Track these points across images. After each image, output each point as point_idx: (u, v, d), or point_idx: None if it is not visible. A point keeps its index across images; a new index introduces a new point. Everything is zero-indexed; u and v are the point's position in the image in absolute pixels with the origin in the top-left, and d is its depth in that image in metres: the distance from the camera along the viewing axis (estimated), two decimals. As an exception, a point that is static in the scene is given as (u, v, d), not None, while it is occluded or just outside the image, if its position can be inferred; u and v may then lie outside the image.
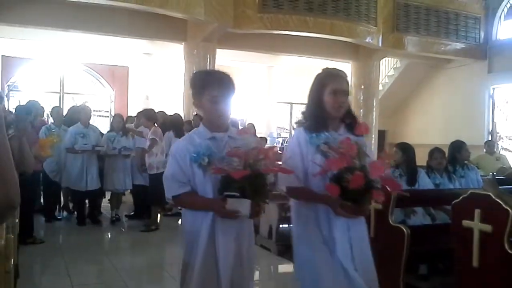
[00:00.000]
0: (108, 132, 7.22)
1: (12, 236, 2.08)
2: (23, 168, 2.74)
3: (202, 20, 8.46)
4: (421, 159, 5.17)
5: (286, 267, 5.03)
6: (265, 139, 11.16)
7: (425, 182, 4.73)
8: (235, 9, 8.88)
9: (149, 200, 6.46)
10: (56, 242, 5.74)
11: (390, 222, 3.79)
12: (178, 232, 6.00)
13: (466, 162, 5.47)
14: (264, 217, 5.62)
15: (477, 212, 3.04)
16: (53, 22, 8.45)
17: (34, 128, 5.70)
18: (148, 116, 6.73)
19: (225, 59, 11.77)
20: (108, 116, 14.22)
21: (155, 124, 6.68)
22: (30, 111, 5.87)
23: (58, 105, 13.79)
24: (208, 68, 9.61)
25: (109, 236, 6.64)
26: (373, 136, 11.71)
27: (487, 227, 2.97)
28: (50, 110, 7.13)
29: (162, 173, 6.96)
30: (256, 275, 5.01)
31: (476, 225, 3.05)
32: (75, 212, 6.83)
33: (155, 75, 13.00)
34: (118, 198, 7.02)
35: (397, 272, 3.68)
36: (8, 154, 1.29)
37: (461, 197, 3.21)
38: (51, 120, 7.77)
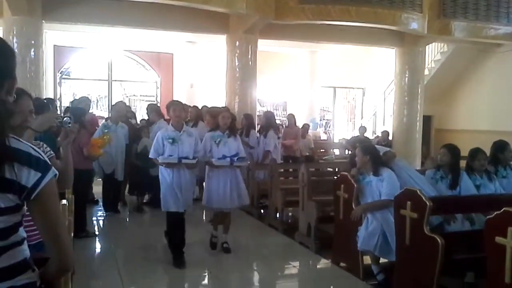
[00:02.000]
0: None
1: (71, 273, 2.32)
2: (62, 186, 2.83)
3: (244, 13, 8.54)
4: (467, 145, 5.06)
5: (324, 264, 5.18)
6: (307, 126, 11.20)
7: (467, 185, 4.66)
8: (276, 1, 8.89)
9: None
10: (107, 235, 6.11)
11: (425, 231, 3.84)
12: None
13: (510, 162, 5.34)
14: (303, 215, 5.80)
15: (510, 230, 3.07)
16: (100, 19, 8.78)
17: (86, 128, 6.01)
18: (214, 113, 6.72)
19: (268, 46, 11.81)
20: (154, 101, 14.65)
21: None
22: (84, 112, 6.23)
23: (107, 92, 14.40)
24: (250, 56, 9.75)
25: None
26: (417, 122, 11.54)
27: (520, 246, 3.01)
28: (112, 106, 7.41)
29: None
30: (295, 270, 5.23)
31: (509, 242, 3.08)
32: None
33: (199, 64, 13.21)
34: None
35: (431, 281, 3.76)
36: (64, 224, 1.50)
37: (494, 214, 3.24)
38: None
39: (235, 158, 5.20)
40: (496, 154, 5.29)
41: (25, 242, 1.52)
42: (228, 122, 5.28)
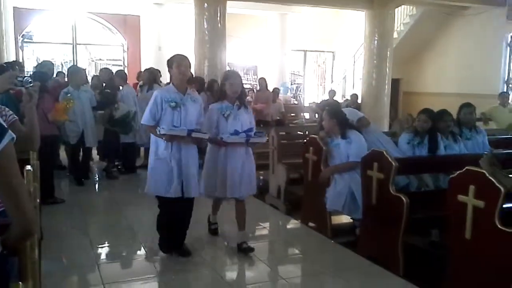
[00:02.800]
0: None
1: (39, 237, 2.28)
2: (30, 147, 2.78)
3: (211, -27, 8.32)
4: (434, 108, 5.13)
5: (293, 224, 5.28)
6: (278, 90, 11.18)
7: (440, 147, 4.77)
8: (245, -40, 8.69)
9: None
10: (76, 201, 6.03)
11: (391, 191, 3.94)
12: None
13: (475, 124, 5.45)
14: (273, 178, 5.85)
15: (471, 188, 3.17)
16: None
17: (49, 93, 5.84)
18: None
19: (237, 8, 11.60)
20: (121, 66, 14.30)
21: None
22: (47, 77, 6.02)
23: (72, 56, 13.96)
24: (219, 19, 9.56)
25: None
26: (386, 85, 11.66)
27: (480, 203, 3.12)
28: (67, 71, 7.13)
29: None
30: (265, 231, 5.31)
31: (470, 200, 3.19)
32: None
33: (166, 26, 12.90)
34: None
35: (396, 238, 3.88)
36: (24, 188, 1.46)
37: (457, 173, 3.34)
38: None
39: (251, 134, 4.18)
40: (458, 116, 5.41)
41: None
42: (238, 91, 4.19)
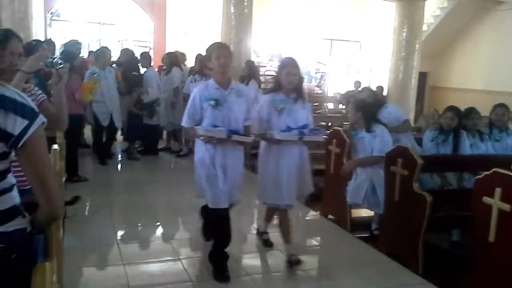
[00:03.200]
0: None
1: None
2: (58, 127, 2.80)
3: (241, -42, 8.24)
4: (460, 104, 5.05)
5: (313, 216, 5.27)
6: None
7: (465, 146, 4.67)
8: None
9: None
10: (99, 180, 6.12)
11: (414, 188, 3.89)
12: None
13: (507, 126, 5.30)
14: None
15: (498, 190, 3.11)
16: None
17: (76, 72, 5.89)
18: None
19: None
20: (147, 47, 14.37)
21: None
22: (74, 56, 6.08)
23: (98, 36, 14.07)
24: (246, 3, 9.49)
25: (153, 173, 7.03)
26: (413, 79, 11.47)
27: (506, 206, 3.05)
28: (95, 51, 7.18)
29: None
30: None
31: (495, 203, 3.13)
32: None
33: (193, 10, 12.87)
34: None
35: (417, 236, 3.84)
36: (52, 173, 1.48)
37: (484, 174, 3.28)
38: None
39: (306, 130, 3.62)
40: (490, 116, 5.29)
41: (15, 188, 1.51)
42: (295, 81, 3.63)
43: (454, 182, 4.75)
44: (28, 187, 2.58)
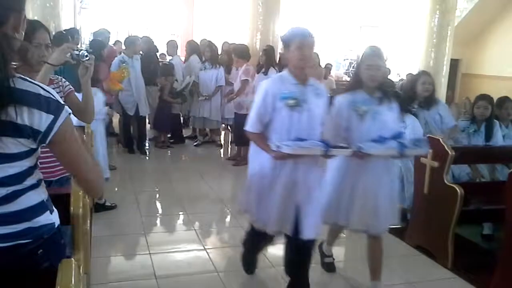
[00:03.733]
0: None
1: (88, 201, 2.35)
2: (85, 119, 2.78)
3: None
4: (494, 92, 4.89)
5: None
6: (330, 66, 10.94)
7: (498, 136, 4.55)
8: None
9: (236, 141, 6.79)
10: (126, 169, 6.19)
11: (445, 181, 3.78)
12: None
13: None
14: (321, 158, 5.76)
15: (533, 185, 3.00)
16: None
17: (105, 61, 5.95)
18: (240, 53, 6.59)
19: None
20: (174, 34, 14.43)
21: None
22: (103, 45, 6.12)
23: (126, 24, 14.18)
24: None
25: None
26: (444, 66, 11.16)
27: (543, 202, 2.94)
28: (124, 40, 7.17)
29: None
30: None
31: (531, 197, 3.02)
32: None
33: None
34: None
35: (447, 230, 3.75)
36: (87, 160, 1.50)
37: (519, 168, 3.16)
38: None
39: (406, 141, 2.91)
40: None
41: (42, 183, 1.51)
42: (379, 76, 2.95)
43: (486, 174, 4.62)
44: (57, 178, 2.65)
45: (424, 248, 3.99)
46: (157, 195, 5.35)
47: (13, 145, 1.33)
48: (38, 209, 1.47)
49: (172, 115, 7.44)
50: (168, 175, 6.02)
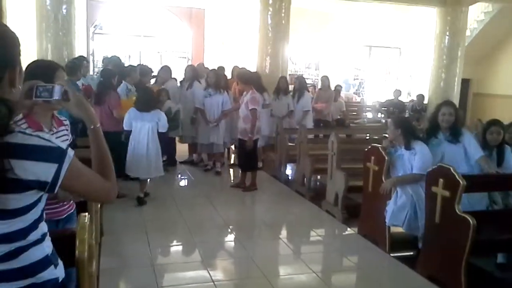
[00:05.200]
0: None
1: (95, 243, 2.34)
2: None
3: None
4: (506, 111, 4.87)
5: (350, 235, 5.15)
6: (340, 88, 10.95)
7: (509, 161, 4.53)
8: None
9: (243, 167, 6.72)
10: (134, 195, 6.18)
11: (457, 211, 3.72)
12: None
13: None
14: (330, 184, 5.73)
15: (548, 218, 2.93)
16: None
17: (115, 90, 6.01)
18: (245, 79, 6.54)
19: (301, 2, 11.42)
20: (185, 58, 14.58)
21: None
22: (113, 74, 6.20)
23: (138, 48, 14.37)
24: (283, 15, 9.45)
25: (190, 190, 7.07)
26: (455, 86, 11.12)
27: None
28: (125, 68, 7.15)
29: (257, 140, 6.70)
30: (320, 240, 5.22)
31: (545, 230, 2.95)
32: None
33: (230, 21, 12.96)
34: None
35: (460, 260, 3.67)
36: (97, 184, 1.56)
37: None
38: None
39: None
40: None
41: (47, 237, 1.50)
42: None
43: (500, 201, 4.55)
44: (64, 216, 2.65)
45: (436, 278, 3.91)
46: (165, 222, 5.32)
47: (16, 201, 1.33)
48: (42, 264, 1.45)
49: (167, 139, 7.40)
50: (175, 201, 6.00)
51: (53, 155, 1.35)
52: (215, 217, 5.48)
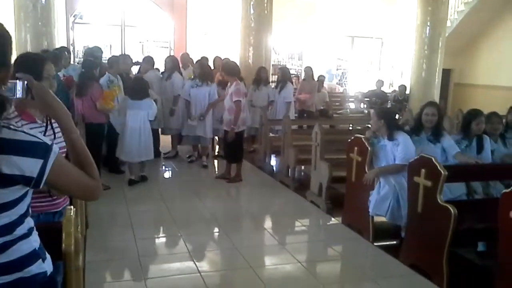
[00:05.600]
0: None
1: (81, 236, 2.33)
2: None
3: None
4: (486, 101, 4.98)
5: (334, 224, 5.21)
6: (323, 78, 10.99)
7: (487, 150, 4.66)
8: None
9: (229, 158, 6.71)
10: (121, 190, 6.16)
11: (438, 200, 3.79)
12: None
13: None
14: (315, 174, 5.78)
15: (526, 206, 3.01)
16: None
17: (97, 81, 5.94)
18: (229, 70, 6.49)
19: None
20: (167, 48, 14.45)
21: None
22: (94, 65, 6.12)
23: (119, 38, 14.18)
24: (265, 5, 9.43)
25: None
26: (436, 77, 11.24)
27: (535, 223, 2.95)
28: (107, 60, 7.07)
29: (242, 131, 6.77)
30: (304, 230, 5.27)
31: (524, 219, 3.03)
32: None
33: (213, 11, 12.87)
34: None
35: (441, 249, 3.75)
36: (82, 181, 1.55)
37: (511, 188, 3.17)
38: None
39: None
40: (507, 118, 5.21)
41: (34, 232, 1.51)
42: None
43: (480, 190, 4.65)
44: (60, 208, 2.63)
45: (419, 267, 3.99)
46: (150, 215, 5.32)
47: (2, 195, 1.33)
48: (30, 258, 1.46)
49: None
50: (161, 194, 5.99)
51: (38, 150, 1.36)
52: (200, 209, 5.50)
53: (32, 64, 2.37)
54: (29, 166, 1.33)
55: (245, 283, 3.83)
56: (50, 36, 7.94)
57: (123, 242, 4.41)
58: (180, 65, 8.58)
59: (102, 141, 6.12)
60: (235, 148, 6.47)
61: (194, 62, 8.71)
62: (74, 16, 13.57)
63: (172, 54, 11.47)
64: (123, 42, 14.14)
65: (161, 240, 4.77)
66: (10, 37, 1.40)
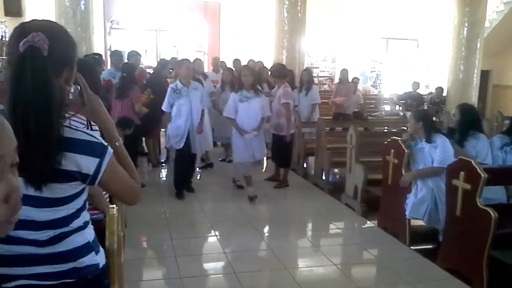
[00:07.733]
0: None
1: (123, 233, 2.39)
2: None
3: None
4: None
5: (369, 228, 5.16)
6: (357, 80, 10.88)
7: None
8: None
9: (278, 162, 6.70)
10: (156, 186, 6.28)
11: (478, 204, 3.71)
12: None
13: None
14: (349, 177, 5.74)
15: None
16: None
17: (137, 83, 6.09)
18: (278, 73, 6.44)
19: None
20: (201, 51, 14.61)
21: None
22: (134, 68, 6.27)
23: (155, 42, 14.43)
24: (299, 8, 9.42)
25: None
26: (474, 78, 10.98)
27: None
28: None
29: (293, 134, 6.48)
30: (339, 233, 5.24)
31: None
32: None
33: (246, 15, 12.95)
34: None
35: (481, 254, 3.67)
36: (130, 185, 1.60)
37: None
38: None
39: None
40: None
41: (89, 225, 1.59)
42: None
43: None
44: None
45: (457, 271, 3.91)
46: (184, 214, 5.39)
47: (61, 190, 1.42)
48: (83, 250, 1.53)
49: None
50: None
51: (96, 150, 1.44)
52: (235, 211, 5.54)
53: (90, 69, 2.48)
54: (87, 163, 1.41)
55: (280, 284, 3.84)
56: (89, 41, 8.18)
57: (160, 241, 4.49)
58: (212, 69, 8.66)
59: (139, 140, 6.26)
60: (286, 152, 6.49)
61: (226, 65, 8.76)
62: (111, 22, 13.91)
63: (205, 58, 11.59)
64: (158, 46, 14.39)
65: (197, 240, 4.82)
66: (75, 42, 1.50)
